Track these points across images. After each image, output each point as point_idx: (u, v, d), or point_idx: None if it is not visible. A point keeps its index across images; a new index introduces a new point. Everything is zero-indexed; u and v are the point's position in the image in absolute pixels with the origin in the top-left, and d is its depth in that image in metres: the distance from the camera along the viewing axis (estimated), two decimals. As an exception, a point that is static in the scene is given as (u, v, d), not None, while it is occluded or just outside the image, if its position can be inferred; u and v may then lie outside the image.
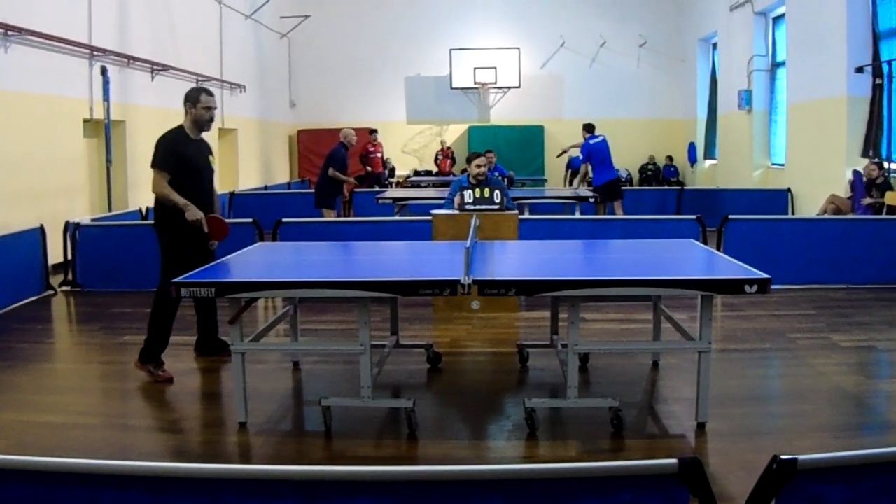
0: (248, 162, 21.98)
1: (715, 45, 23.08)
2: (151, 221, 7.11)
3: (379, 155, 21.26)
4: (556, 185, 22.49)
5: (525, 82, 25.58)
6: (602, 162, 15.46)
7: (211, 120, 6.98)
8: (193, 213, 6.70)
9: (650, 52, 25.90)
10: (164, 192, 6.65)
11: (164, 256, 6.81)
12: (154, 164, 6.71)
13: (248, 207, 16.61)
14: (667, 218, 12.75)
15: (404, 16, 26.11)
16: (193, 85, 17.60)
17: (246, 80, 21.39)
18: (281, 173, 25.03)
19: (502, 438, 5.51)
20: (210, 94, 6.97)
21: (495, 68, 25.34)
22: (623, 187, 17.22)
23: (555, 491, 2.40)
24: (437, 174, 24.55)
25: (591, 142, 15.59)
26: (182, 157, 6.74)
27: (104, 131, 13.60)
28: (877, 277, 10.22)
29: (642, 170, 26.06)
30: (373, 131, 21.41)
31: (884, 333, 8.16)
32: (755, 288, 5.09)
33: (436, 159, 25.72)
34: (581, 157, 16.10)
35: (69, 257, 10.92)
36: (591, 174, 15.96)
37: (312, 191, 15.75)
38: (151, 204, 7.22)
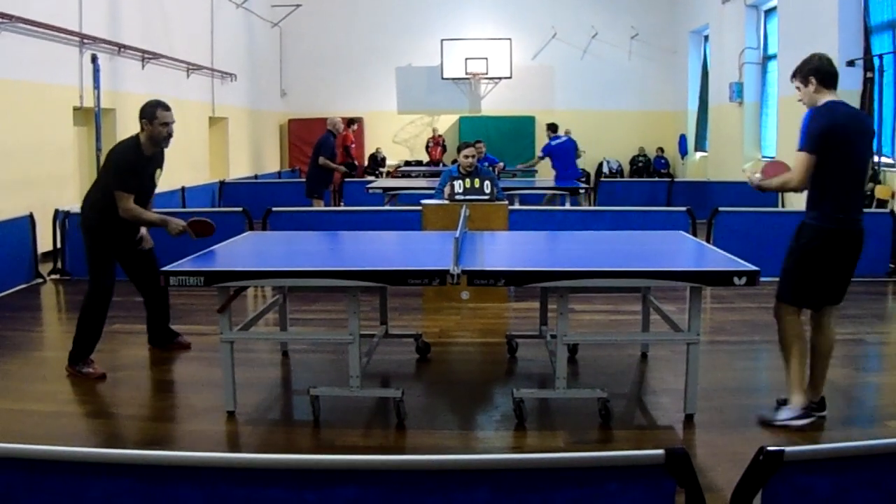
0: (238, 151, 21.91)
1: (706, 38, 23.07)
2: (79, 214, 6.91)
3: (353, 146, 21.31)
4: (546, 175, 22.45)
5: (516, 73, 25.54)
6: (564, 163, 15.52)
7: (169, 136, 6.60)
8: (174, 226, 6.59)
9: (642, 44, 25.88)
10: (134, 213, 6.46)
11: (93, 260, 6.63)
12: (118, 188, 6.41)
13: (238, 196, 16.57)
14: (657, 210, 12.74)
15: (396, 6, 26.03)
16: (184, 73, 17.60)
17: (237, 69, 21.31)
18: (271, 162, 24.98)
19: (491, 429, 5.53)
20: (167, 108, 6.56)
21: (486, 59, 25.27)
22: (612, 179, 17.26)
23: (542, 481, 2.40)
24: (428, 163, 24.52)
25: (553, 143, 15.81)
26: (137, 176, 6.52)
27: (94, 119, 13.53)
28: (865, 270, 10.14)
29: (633, 161, 26.06)
30: (352, 122, 21.35)
31: (873, 326, 8.20)
32: (744, 280, 5.10)
33: (427, 147, 25.69)
34: (541, 154, 16.15)
35: (58, 245, 10.89)
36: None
37: (303, 180, 15.72)
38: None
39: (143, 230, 6.94)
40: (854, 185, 5.18)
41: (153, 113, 6.51)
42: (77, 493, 2.45)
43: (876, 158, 13.16)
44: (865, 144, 5.28)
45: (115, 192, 6.43)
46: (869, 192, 12.37)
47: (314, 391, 5.56)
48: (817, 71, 5.20)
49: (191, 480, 2.44)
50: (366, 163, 25.11)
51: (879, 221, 10.48)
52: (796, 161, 5.18)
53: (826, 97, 5.19)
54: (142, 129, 6.58)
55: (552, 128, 16.44)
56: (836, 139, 5.05)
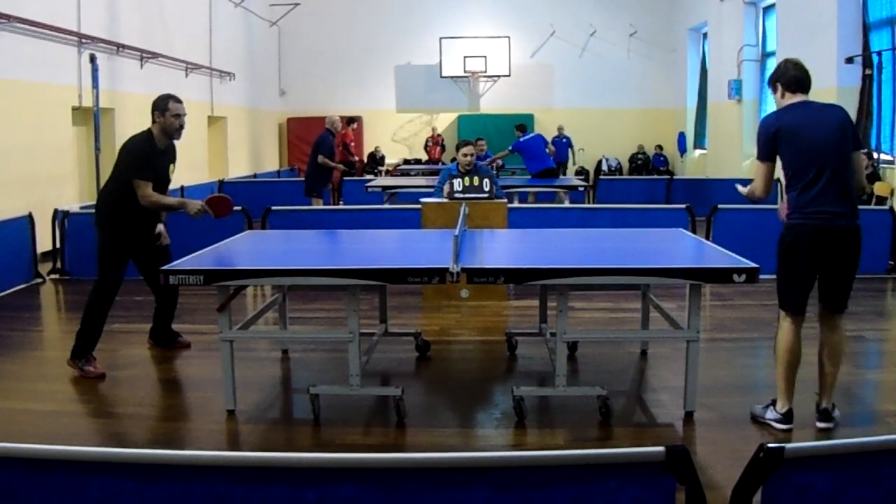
0: (237, 150, 21.90)
1: (705, 35, 23.08)
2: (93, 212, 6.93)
3: (352, 143, 21.37)
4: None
5: (515, 71, 25.54)
6: (534, 156, 15.63)
7: (181, 127, 6.69)
8: (192, 206, 6.66)
9: (640, 42, 25.88)
10: (154, 199, 6.51)
11: (103, 256, 6.64)
12: (136, 176, 6.46)
13: (238, 195, 16.30)
14: (656, 207, 12.77)
15: (395, 4, 26.03)
16: (182, 73, 17.60)
17: (235, 68, 21.30)
18: (270, 161, 24.96)
19: (490, 427, 5.53)
20: (178, 100, 6.69)
21: (485, 57, 25.27)
22: (611, 177, 17.29)
23: (542, 478, 2.40)
24: (426, 162, 24.49)
25: (522, 140, 15.96)
26: (151, 166, 6.57)
27: (93, 119, 13.53)
28: (865, 267, 10.08)
29: (632, 159, 26.06)
30: (351, 120, 21.38)
31: (872, 323, 8.19)
32: (744, 277, 5.12)
33: (425, 146, 25.65)
34: (510, 147, 16.22)
35: (58, 245, 10.88)
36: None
37: (302, 179, 15.72)
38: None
39: (161, 226, 6.95)
40: (821, 178, 5.02)
41: (165, 105, 6.62)
42: (77, 492, 2.45)
43: (875, 155, 13.17)
44: (832, 138, 5.06)
45: (133, 182, 6.48)
46: (869, 191, 12.35)
47: (314, 390, 5.55)
48: (782, 76, 5.27)
49: (191, 479, 2.44)
50: (364, 161, 25.09)
51: (879, 218, 10.47)
52: (755, 170, 5.34)
53: (792, 101, 5.24)
54: (154, 121, 6.67)
55: (520, 128, 17.14)
56: (782, 140, 5.11)
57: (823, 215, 5.07)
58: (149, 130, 6.70)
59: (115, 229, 6.64)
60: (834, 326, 5.31)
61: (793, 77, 5.23)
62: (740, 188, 5.70)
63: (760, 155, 5.26)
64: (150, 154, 6.58)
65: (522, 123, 17.46)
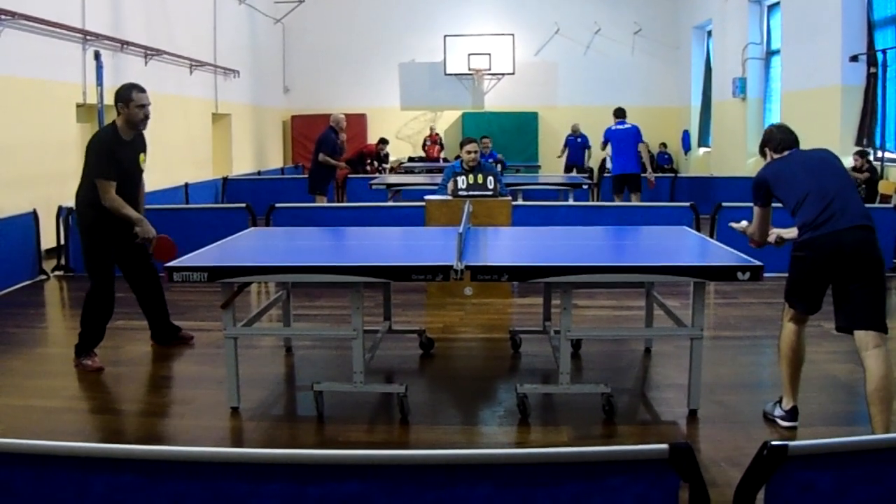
0: (241, 147, 21.90)
1: (710, 33, 23.03)
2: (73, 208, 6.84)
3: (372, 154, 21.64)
4: (549, 171, 22.39)
5: (519, 69, 25.50)
6: (620, 152, 14.91)
7: (146, 118, 6.57)
8: (146, 229, 6.53)
9: (645, 40, 25.84)
10: (116, 205, 6.39)
11: (91, 257, 6.60)
12: (98, 175, 6.38)
13: (242, 193, 16.58)
14: (660, 205, 12.75)
15: (399, 1, 26.00)
16: (187, 70, 17.61)
17: (240, 66, 21.29)
18: (274, 159, 24.96)
19: (494, 424, 5.53)
20: (142, 90, 6.55)
21: (489, 55, 25.21)
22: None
23: (545, 476, 2.40)
24: (424, 160, 24.37)
25: (613, 128, 15.05)
26: (116, 162, 6.45)
27: (97, 116, 13.52)
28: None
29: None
30: (382, 143, 22.22)
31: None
32: (748, 275, 5.11)
33: (423, 145, 25.53)
34: (602, 139, 15.61)
35: (62, 242, 10.90)
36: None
37: (306, 176, 15.73)
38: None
39: None
40: (824, 197, 4.94)
41: (129, 96, 6.49)
42: (80, 489, 2.46)
43: (880, 154, 13.18)
44: (826, 162, 5.19)
45: (96, 181, 6.39)
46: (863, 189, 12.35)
47: (318, 387, 5.56)
48: (769, 142, 5.41)
49: (194, 476, 2.44)
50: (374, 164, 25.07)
51: (883, 217, 10.41)
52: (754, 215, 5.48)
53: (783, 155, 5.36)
54: (118, 113, 6.55)
55: (617, 113, 15.52)
56: (778, 181, 5.18)
57: (835, 226, 4.89)
58: (113, 123, 6.60)
59: (98, 229, 6.56)
60: (876, 352, 4.87)
61: (779, 140, 5.36)
62: (734, 225, 5.81)
63: (753, 200, 5.38)
64: (113, 149, 6.46)
65: (621, 108, 15.78)
